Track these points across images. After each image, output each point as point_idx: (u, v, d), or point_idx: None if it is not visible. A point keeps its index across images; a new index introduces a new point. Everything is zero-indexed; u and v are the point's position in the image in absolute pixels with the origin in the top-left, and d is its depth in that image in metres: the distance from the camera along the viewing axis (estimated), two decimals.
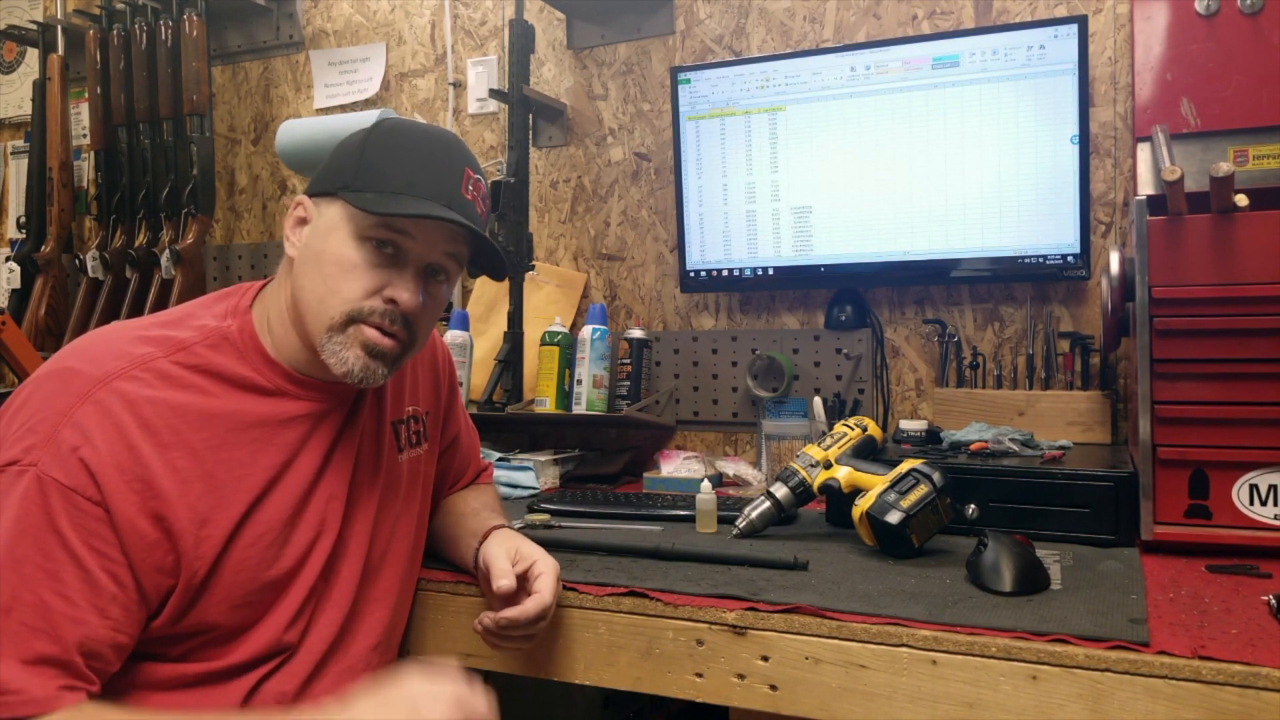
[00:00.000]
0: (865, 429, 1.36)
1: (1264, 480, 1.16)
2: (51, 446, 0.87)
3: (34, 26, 2.55)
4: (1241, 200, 1.18)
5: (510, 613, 1.04)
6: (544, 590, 1.05)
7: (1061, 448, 1.46)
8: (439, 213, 0.98)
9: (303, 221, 1.04)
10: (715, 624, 1.04)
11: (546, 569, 1.07)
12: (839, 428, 1.37)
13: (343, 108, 2.36)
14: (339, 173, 1.01)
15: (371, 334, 0.99)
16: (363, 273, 0.99)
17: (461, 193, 1.01)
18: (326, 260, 0.99)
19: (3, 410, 0.93)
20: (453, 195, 1.00)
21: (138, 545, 0.90)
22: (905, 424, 1.61)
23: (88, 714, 0.85)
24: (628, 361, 1.89)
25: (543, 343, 1.90)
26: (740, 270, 1.89)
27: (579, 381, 1.87)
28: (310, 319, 1.00)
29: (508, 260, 1.82)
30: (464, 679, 0.90)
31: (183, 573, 0.92)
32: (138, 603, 0.90)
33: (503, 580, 1.04)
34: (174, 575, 0.92)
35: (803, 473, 1.33)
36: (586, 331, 1.87)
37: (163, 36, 2.30)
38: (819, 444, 1.36)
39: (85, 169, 2.63)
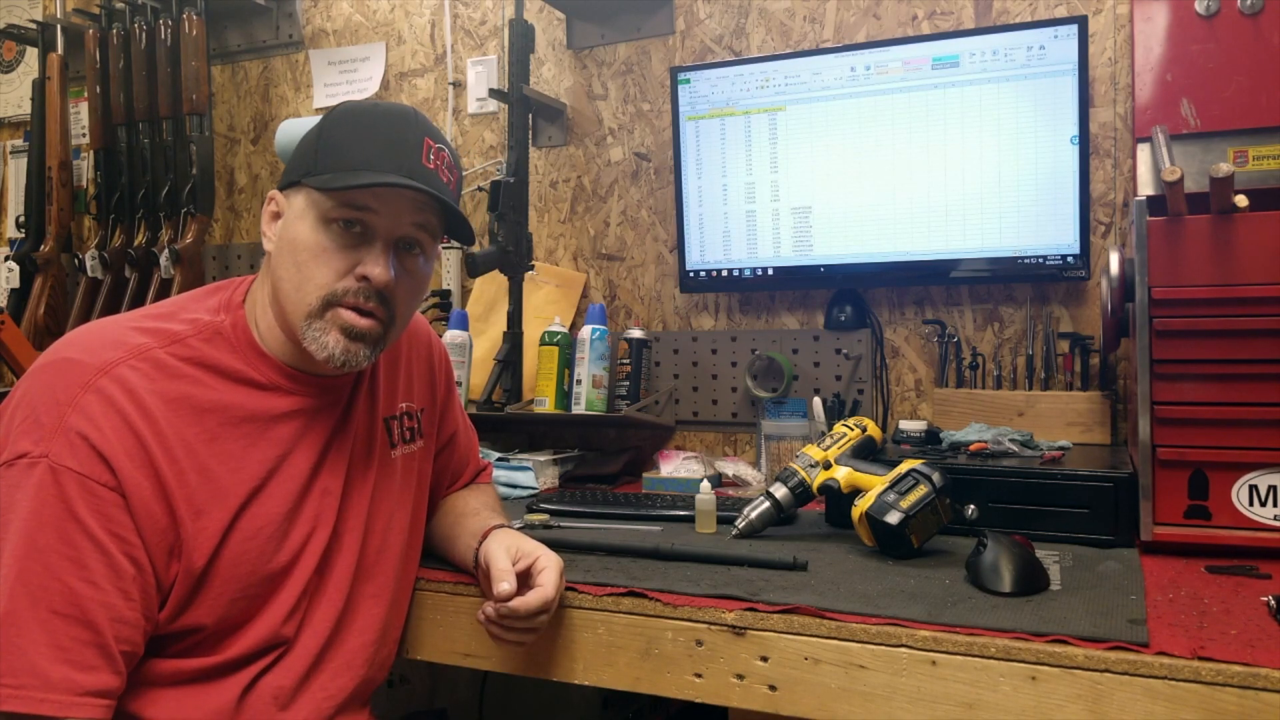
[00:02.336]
0: (865, 429, 1.36)
1: (1263, 481, 1.16)
2: (61, 435, 0.88)
3: (33, 25, 2.55)
4: (1241, 201, 1.17)
5: (512, 603, 1.04)
6: (547, 584, 1.05)
7: (1061, 448, 1.46)
8: (395, 180, 0.98)
9: (276, 216, 1.05)
10: (714, 624, 1.03)
11: (550, 564, 1.07)
12: (838, 428, 1.37)
13: None
14: (301, 161, 1.02)
15: (348, 315, 1.00)
16: (332, 255, 0.99)
17: (422, 162, 1.01)
18: (299, 248, 1.00)
19: (3, 405, 0.93)
20: (413, 166, 1.00)
21: (152, 529, 0.91)
22: (905, 424, 1.61)
23: None
24: (627, 361, 1.89)
25: (542, 343, 1.90)
26: (740, 270, 1.89)
27: (578, 381, 1.87)
28: (290, 309, 1.00)
29: (507, 260, 1.84)
30: None
31: (183, 561, 0.93)
32: (155, 586, 0.92)
33: (503, 584, 1.03)
34: (180, 561, 0.93)
35: (802, 473, 1.33)
36: (586, 331, 1.87)
37: (162, 36, 2.30)
38: (818, 444, 1.36)
39: (84, 168, 2.63)
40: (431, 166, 1.02)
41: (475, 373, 2.00)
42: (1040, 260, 1.66)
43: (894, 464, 1.25)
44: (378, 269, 1.00)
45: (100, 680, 0.86)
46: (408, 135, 1.01)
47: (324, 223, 0.99)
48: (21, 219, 2.55)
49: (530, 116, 2.01)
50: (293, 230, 1.01)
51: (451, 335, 1.95)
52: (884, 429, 1.79)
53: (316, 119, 1.97)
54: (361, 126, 1.01)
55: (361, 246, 1.00)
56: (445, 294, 2.13)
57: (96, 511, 0.88)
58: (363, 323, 1.00)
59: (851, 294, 1.86)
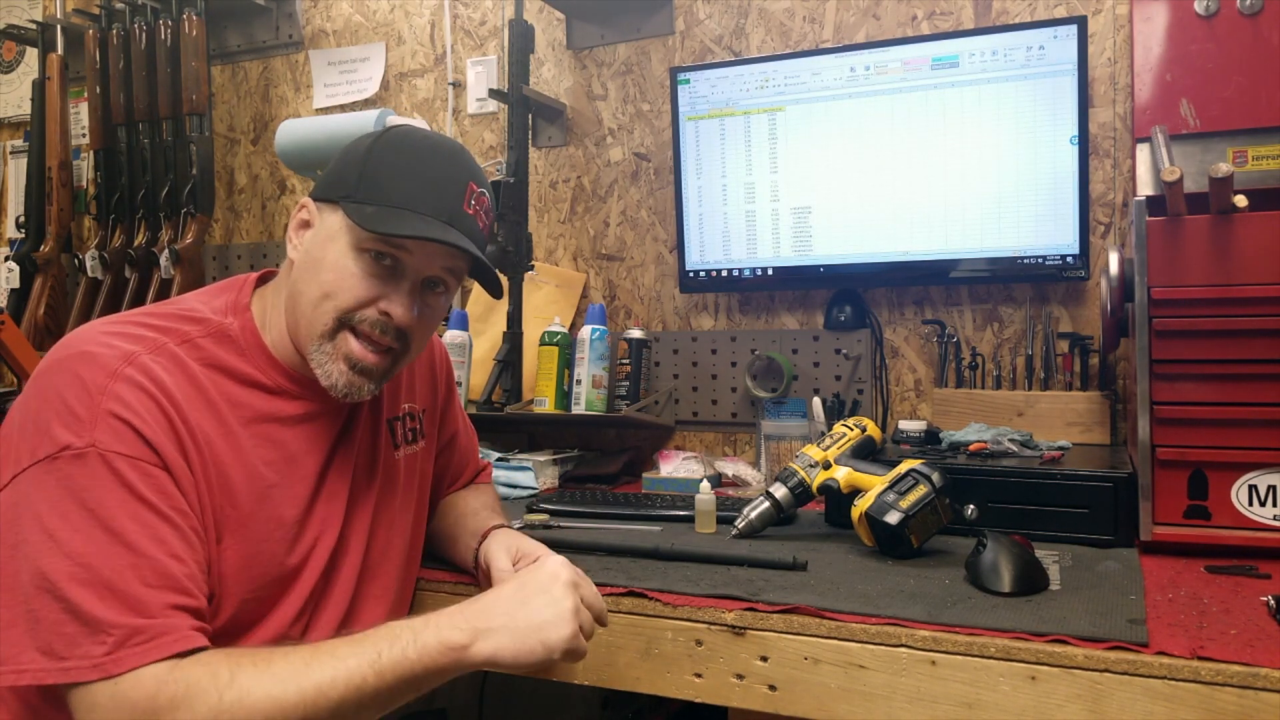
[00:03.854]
0: (864, 429, 1.36)
1: (1263, 481, 1.16)
2: (103, 424, 0.87)
3: (33, 26, 2.55)
4: (1241, 201, 1.18)
5: None
6: None
7: (1061, 448, 1.46)
8: (437, 233, 0.98)
9: (306, 224, 1.04)
10: (714, 624, 1.04)
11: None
12: (838, 428, 1.37)
13: (342, 107, 2.35)
14: (342, 181, 1.01)
15: (356, 347, 1.00)
16: (358, 282, 0.99)
17: (463, 208, 1.01)
18: (325, 268, 1.00)
19: (18, 408, 0.92)
20: (454, 211, 1.00)
21: (195, 506, 0.92)
22: (904, 424, 1.61)
23: (231, 654, 0.85)
24: (627, 362, 1.89)
25: (542, 343, 1.90)
26: (740, 270, 1.89)
27: (578, 381, 1.87)
28: (304, 324, 1.00)
29: (507, 260, 1.84)
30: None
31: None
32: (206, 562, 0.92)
33: None
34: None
35: (802, 473, 1.33)
36: (586, 331, 1.87)
37: (162, 36, 2.30)
38: (818, 444, 1.36)
39: (84, 168, 2.63)
40: (471, 212, 1.02)
41: (475, 373, 2.00)
42: (1040, 260, 1.66)
43: (894, 464, 1.25)
44: (400, 309, 1.00)
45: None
46: (453, 178, 1.02)
47: (356, 250, 0.99)
48: (21, 219, 2.55)
49: (530, 117, 2.01)
50: (322, 249, 1.01)
51: (451, 335, 1.95)
52: (884, 429, 1.80)
53: (318, 119, 1.98)
54: (410, 160, 1.01)
55: (389, 281, 1.00)
56: None
57: (158, 490, 0.88)
58: (370, 358, 1.01)
59: (851, 294, 1.86)
